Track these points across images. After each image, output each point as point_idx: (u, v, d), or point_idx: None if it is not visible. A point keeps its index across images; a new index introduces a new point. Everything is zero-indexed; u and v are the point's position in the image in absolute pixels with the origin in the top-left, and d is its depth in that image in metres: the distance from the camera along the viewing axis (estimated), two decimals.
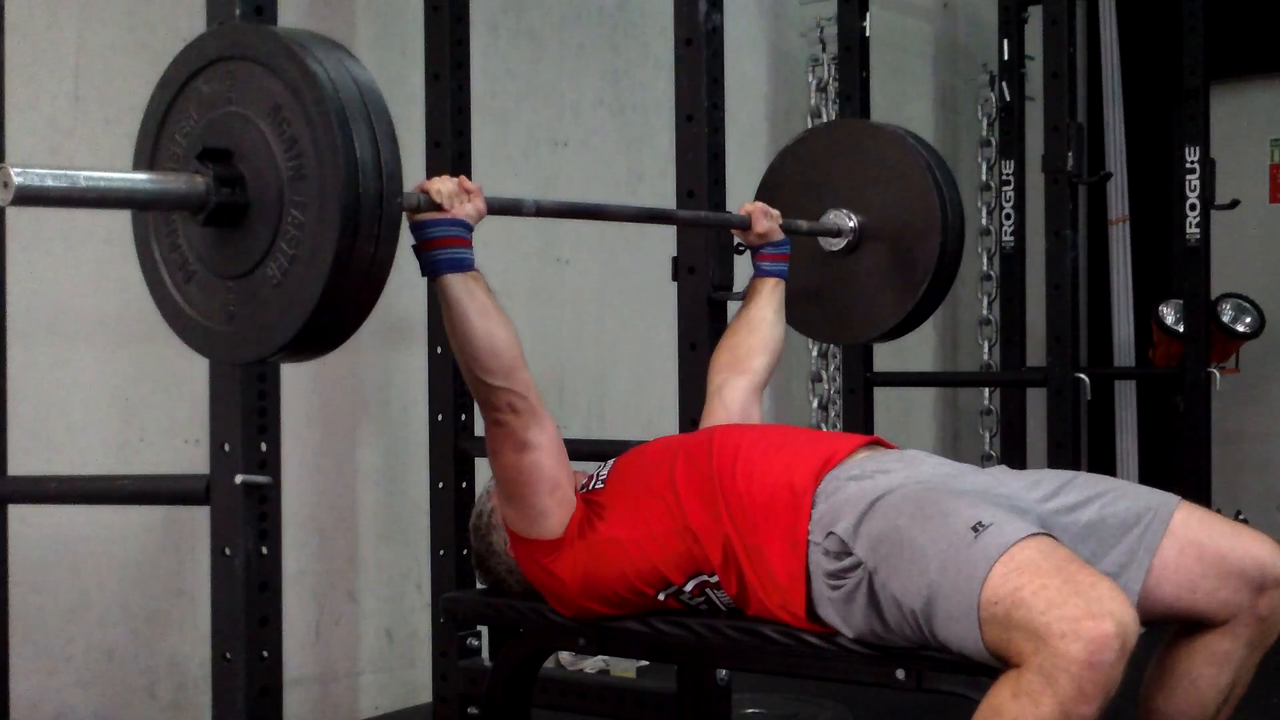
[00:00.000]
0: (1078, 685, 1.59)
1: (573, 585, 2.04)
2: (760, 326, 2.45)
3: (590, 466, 2.19)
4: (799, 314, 2.61)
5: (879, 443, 2.11)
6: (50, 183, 1.46)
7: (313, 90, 1.53)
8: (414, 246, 1.92)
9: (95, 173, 1.52)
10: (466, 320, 1.91)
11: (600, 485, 2.11)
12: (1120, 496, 1.96)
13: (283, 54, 1.56)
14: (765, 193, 2.70)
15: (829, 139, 2.79)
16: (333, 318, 1.57)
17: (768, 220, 2.48)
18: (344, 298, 1.55)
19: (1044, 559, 1.69)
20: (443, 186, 1.93)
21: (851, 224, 2.66)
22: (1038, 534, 1.73)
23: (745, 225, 2.48)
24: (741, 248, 2.54)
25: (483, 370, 1.94)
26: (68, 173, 1.48)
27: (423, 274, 1.93)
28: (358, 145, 1.52)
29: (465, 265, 1.91)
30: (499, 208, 2.02)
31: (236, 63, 1.61)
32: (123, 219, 1.78)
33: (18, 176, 1.42)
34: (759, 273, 2.50)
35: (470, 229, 1.93)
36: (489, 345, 1.93)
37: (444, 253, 1.90)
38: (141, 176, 1.63)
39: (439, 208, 1.91)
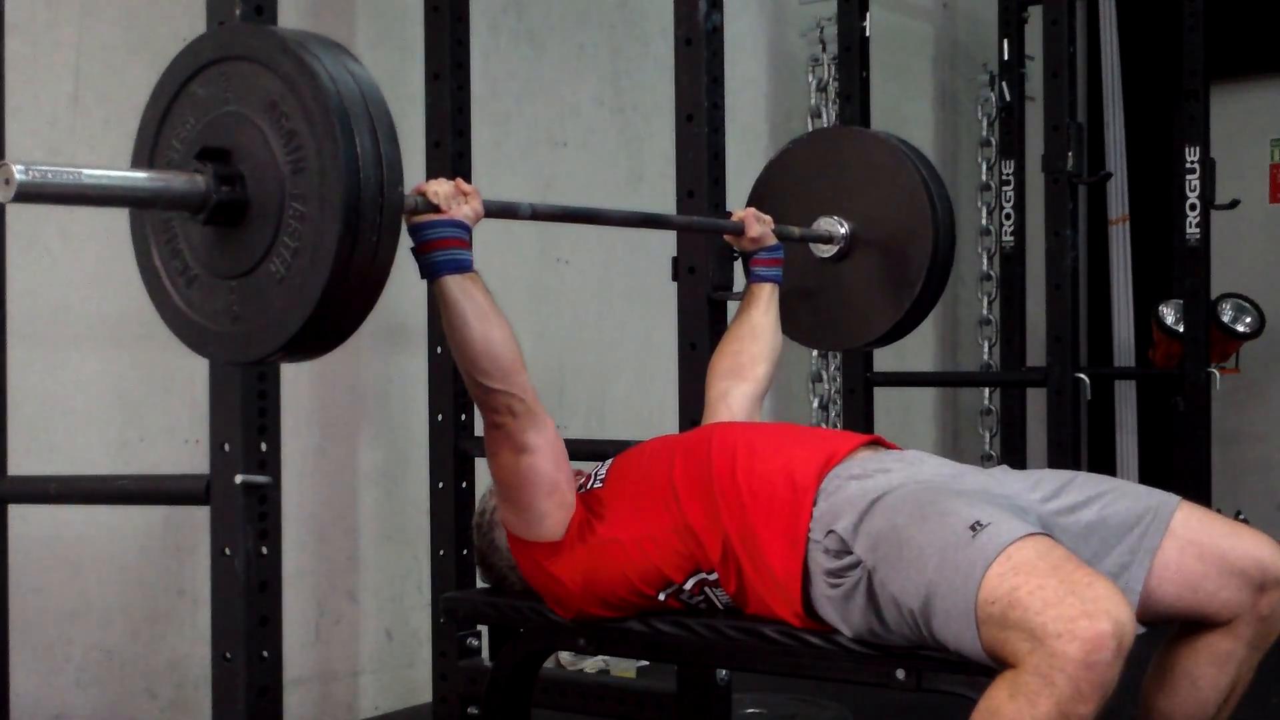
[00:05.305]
0: (1075, 685, 1.58)
1: (574, 588, 2.04)
2: (763, 334, 2.45)
3: (589, 466, 2.19)
4: (792, 321, 2.61)
5: (880, 442, 2.11)
6: (51, 179, 1.47)
7: (310, 83, 1.53)
8: (412, 249, 1.91)
9: (96, 170, 1.53)
10: (464, 323, 1.91)
11: (599, 484, 2.11)
12: (1121, 496, 1.96)
13: (278, 50, 1.56)
14: (755, 203, 2.69)
15: (814, 148, 2.78)
16: (337, 312, 1.57)
17: (760, 225, 2.49)
18: (348, 290, 1.55)
19: (1041, 559, 1.68)
20: (440, 188, 1.92)
21: (843, 230, 2.66)
22: (1035, 534, 1.73)
23: (738, 231, 2.49)
24: (735, 254, 2.56)
25: (480, 373, 1.93)
26: (69, 169, 1.49)
27: (421, 276, 1.92)
28: (357, 135, 1.52)
29: (464, 266, 1.91)
30: (496, 210, 2.01)
31: (231, 63, 1.60)
32: (122, 219, 1.78)
33: (19, 174, 1.43)
34: (754, 278, 2.50)
35: (468, 230, 1.93)
36: (485, 348, 1.92)
37: (442, 254, 1.90)
38: (142, 175, 1.64)
39: (436, 210, 1.91)
